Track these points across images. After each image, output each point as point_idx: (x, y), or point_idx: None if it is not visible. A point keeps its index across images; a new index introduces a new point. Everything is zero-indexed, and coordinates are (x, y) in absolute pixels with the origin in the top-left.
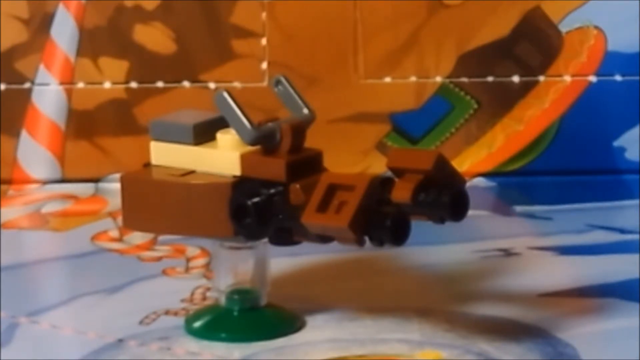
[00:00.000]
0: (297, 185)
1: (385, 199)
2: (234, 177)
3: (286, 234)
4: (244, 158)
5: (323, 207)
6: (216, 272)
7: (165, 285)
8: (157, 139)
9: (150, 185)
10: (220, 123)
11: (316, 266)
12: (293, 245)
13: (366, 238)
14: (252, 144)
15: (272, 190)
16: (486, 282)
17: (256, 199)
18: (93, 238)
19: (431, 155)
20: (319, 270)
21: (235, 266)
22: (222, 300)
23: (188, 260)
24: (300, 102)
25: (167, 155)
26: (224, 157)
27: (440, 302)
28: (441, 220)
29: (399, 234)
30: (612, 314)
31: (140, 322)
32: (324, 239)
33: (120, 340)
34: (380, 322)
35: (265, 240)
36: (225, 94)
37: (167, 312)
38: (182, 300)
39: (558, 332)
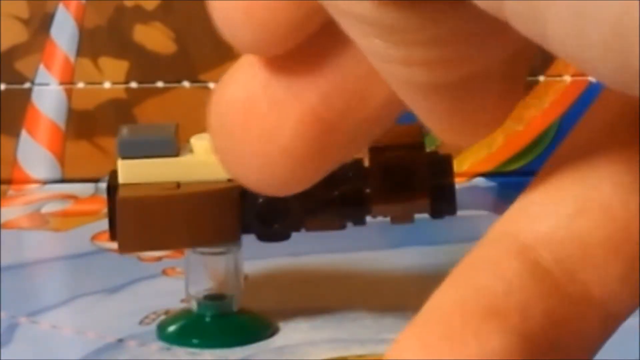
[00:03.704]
0: None
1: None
2: (229, 181)
3: (282, 228)
4: None
5: (393, 188)
6: (188, 277)
7: (165, 285)
8: (128, 157)
9: (148, 203)
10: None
11: (315, 266)
12: (284, 241)
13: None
14: None
15: None
16: None
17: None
18: (93, 238)
19: (417, 128)
20: (318, 270)
21: (207, 271)
22: (194, 306)
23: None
24: None
25: (140, 172)
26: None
27: None
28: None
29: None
30: None
31: (140, 322)
32: (355, 222)
33: (120, 341)
34: (380, 322)
35: (239, 244)
36: None
37: (167, 312)
38: (182, 301)
39: None
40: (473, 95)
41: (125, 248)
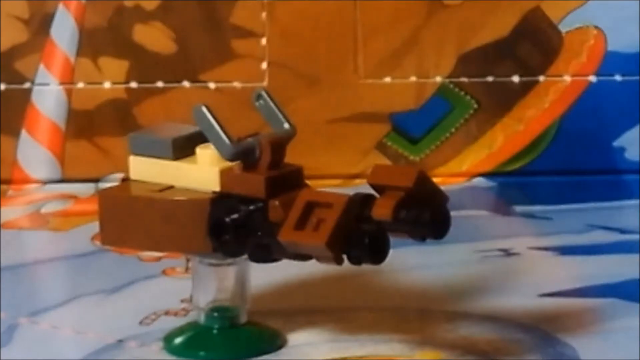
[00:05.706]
0: (277, 202)
1: (366, 217)
2: (214, 192)
3: (266, 252)
4: (223, 174)
5: (301, 224)
6: (195, 288)
7: (165, 286)
8: (136, 153)
9: (128, 201)
10: (201, 137)
11: (315, 266)
12: (273, 263)
13: (344, 256)
14: (231, 159)
15: (251, 207)
16: (486, 282)
17: (234, 216)
18: (93, 238)
19: (412, 172)
20: (318, 271)
21: (215, 283)
22: (202, 318)
23: (188, 260)
24: (281, 116)
25: (146, 170)
26: (203, 172)
27: (440, 302)
28: (422, 238)
29: (378, 252)
30: (612, 314)
31: (140, 323)
32: (302, 257)
33: (120, 341)
34: (380, 322)
35: (246, 257)
36: (204, 109)
37: (167, 313)
38: (182, 301)
39: (558, 332)
40: None
41: (104, 241)
